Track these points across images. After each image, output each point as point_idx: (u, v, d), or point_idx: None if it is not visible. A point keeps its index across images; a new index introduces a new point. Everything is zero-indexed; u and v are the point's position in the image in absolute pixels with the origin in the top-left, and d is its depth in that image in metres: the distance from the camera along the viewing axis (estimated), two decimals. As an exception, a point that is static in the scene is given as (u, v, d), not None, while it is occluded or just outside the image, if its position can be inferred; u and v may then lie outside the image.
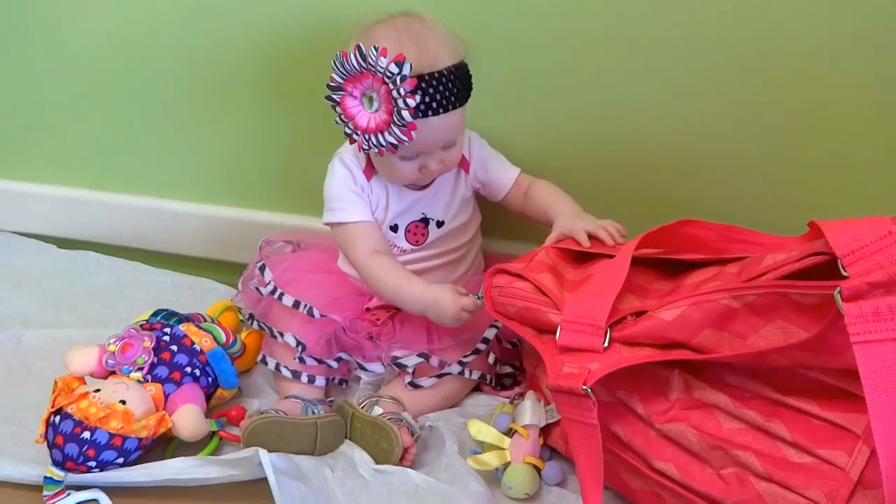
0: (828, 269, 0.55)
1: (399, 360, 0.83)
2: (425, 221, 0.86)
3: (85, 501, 0.74)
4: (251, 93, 1.01)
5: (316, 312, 0.84)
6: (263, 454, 0.71)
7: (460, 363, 0.82)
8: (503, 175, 0.89)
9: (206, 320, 0.90)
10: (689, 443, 0.62)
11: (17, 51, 1.10)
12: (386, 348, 0.84)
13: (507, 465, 0.73)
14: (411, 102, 0.72)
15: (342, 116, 0.76)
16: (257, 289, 0.89)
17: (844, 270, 0.53)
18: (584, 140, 0.92)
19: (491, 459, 0.73)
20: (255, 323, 0.89)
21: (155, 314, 0.89)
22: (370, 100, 0.74)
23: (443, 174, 0.84)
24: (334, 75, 0.74)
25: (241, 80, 1.01)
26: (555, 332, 0.65)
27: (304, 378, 0.84)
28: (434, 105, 0.74)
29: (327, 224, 0.86)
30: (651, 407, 0.64)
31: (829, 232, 0.55)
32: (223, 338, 0.87)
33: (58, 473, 0.73)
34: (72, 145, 1.14)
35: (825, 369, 0.57)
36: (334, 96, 0.75)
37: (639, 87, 0.87)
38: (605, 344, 0.63)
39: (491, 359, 0.84)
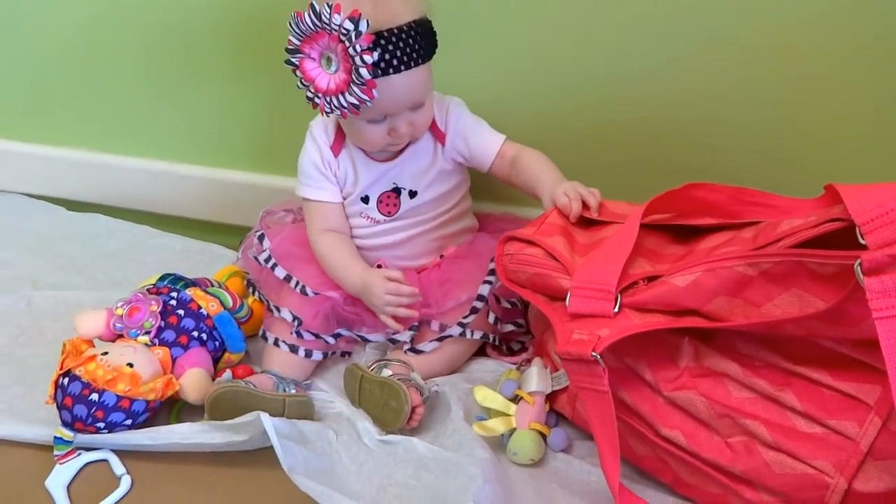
0: (846, 235, 0.53)
1: (393, 336, 0.82)
2: (397, 191, 0.84)
3: (94, 461, 0.73)
4: (258, 54, 0.99)
5: (309, 291, 0.82)
6: (266, 418, 0.70)
7: (460, 324, 0.80)
8: (484, 145, 0.84)
9: (213, 285, 0.88)
10: (698, 410, 0.60)
11: (24, 11, 1.07)
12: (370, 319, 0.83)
13: (512, 431, 0.71)
14: (368, 59, 0.68)
15: (302, 80, 0.72)
16: (255, 258, 0.87)
17: (863, 238, 0.50)
18: (587, 109, 0.89)
19: (496, 426, 0.71)
20: (256, 293, 0.88)
21: (162, 278, 0.88)
22: (328, 60, 0.71)
23: (414, 138, 0.81)
24: (291, 37, 0.71)
25: (248, 40, 0.98)
26: (565, 299, 0.63)
27: (301, 352, 0.82)
28: (395, 62, 0.71)
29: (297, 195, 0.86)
30: (659, 374, 0.62)
31: (847, 197, 0.53)
32: (230, 302, 0.85)
33: (67, 434, 0.73)
34: (80, 107, 1.13)
35: (839, 339, 0.55)
36: (293, 59, 0.72)
37: (643, 56, 0.84)
38: (616, 310, 0.61)
39: (491, 318, 0.82)
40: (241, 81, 1.02)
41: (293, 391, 0.78)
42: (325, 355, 0.84)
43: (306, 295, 0.82)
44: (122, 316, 0.79)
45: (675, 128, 0.87)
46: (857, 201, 0.52)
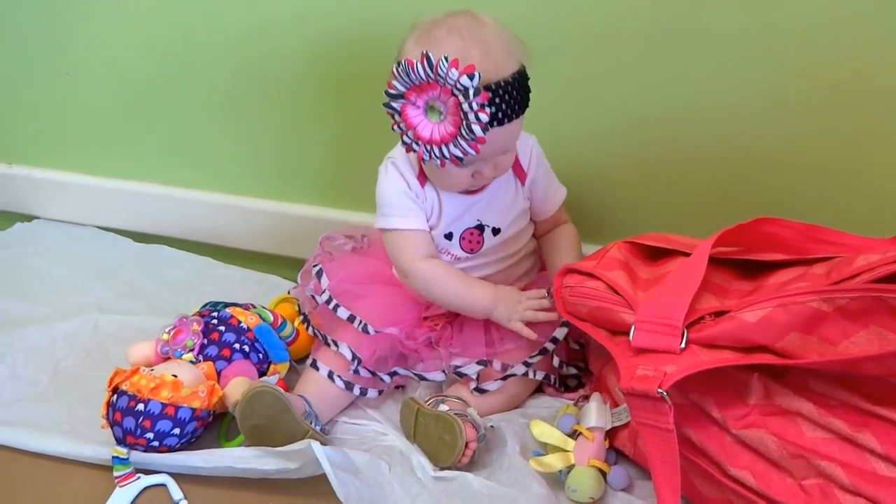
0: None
1: (459, 370, 0.79)
2: (480, 228, 0.81)
3: (153, 486, 0.73)
4: (324, 89, 1.00)
5: (371, 329, 0.80)
6: (317, 447, 0.68)
7: (525, 364, 0.78)
8: (551, 198, 0.84)
9: (255, 307, 0.89)
10: (769, 450, 0.57)
11: (98, 49, 1.11)
12: (445, 356, 0.80)
13: (570, 467, 0.69)
14: (483, 117, 0.66)
15: (402, 125, 0.69)
16: (312, 296, 0.85)
17: (948, 273, 0.48)
18: (656, 143, 0.88)
19: (554, 461, 0.69)
20: (310, 328, 0.86)
21: (204, 305, 0.89)
22: (434, 110, 0.68)
23: (496, 178, 0.79)
24: (396, 83, 0.68)
25: (315, 75, 0.99)
26: (628, 333, 0.61)
27: (357, 390, 0.80)
28: (500, 116, 0.68)
29: (380, 229, 0.81)
30: (728, 411, 0.59)
31: (930, 231, 0.50)
32: (270, 318, 0.86)
33: (121, 451, 0.73)
34: (149, 141, 1.15)
35: (921, 378, 0.52)
36: (394, 104, 0.69)
37: (717, 92, 0.83)
38: (683, 345, 0.58)
39: (556, 361, 0.80)
40: (305, 116, 1.03)
41: (318, 428, 0.75)
42: (379, 393, 0.82)
43: (367, 332, 0.80)
44: (167, 340, 0.81)
45: (740, 167, 0.85)
46: (941, 236, 0.50)
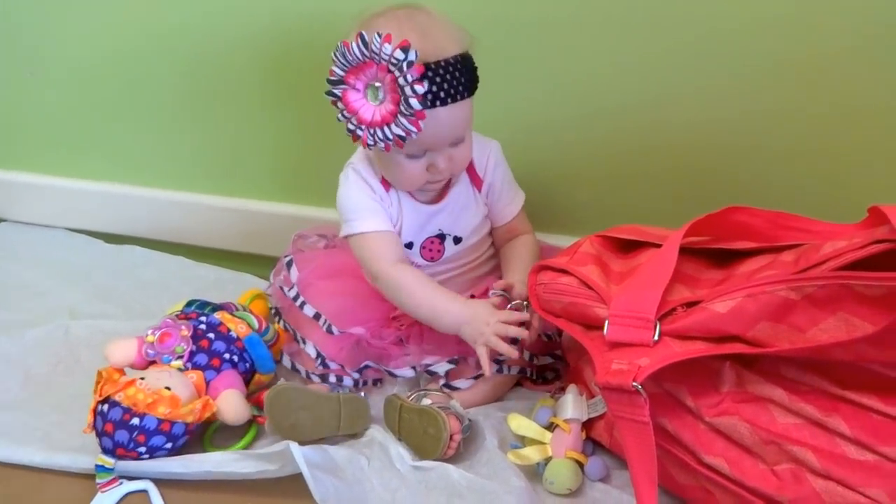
0: (893, 257, 0.50)
1: (430, 368, 0.79)
2: (441, 237, 0.80)
3: (135, 492, 0.71)
4: (288, 86, 0.98)
5: (335, 329, 0.79)
6: (295, 448, 0.67)
7: (497, 361, 0.78)
8: (504, 208, 0.83)
9: (238, 309, 0.87)
10: (742, 437, 0.57)
11: (58, 48, 1.08)
12: (416, 353, 0.80)
13: (548, 459, 0.68)
14: (419, 89, 0.65)
15: (344, 112, 0.69)
16: (281, 288, 0.85)
17: (914, 259, 0.48)
18: (621, 134, 0.87)
19: (532, 454, 0.69)
20: (282, 321, 0.86)
21: (189, 304, 0.87)
22: (374, 91, 0.68)
23: (453, 175, 0.78)
24: (335, 68, 0.68)
25: (278, 72, 0.98)
26: (602, 328, 0.61)
27: (333, 378, 0.81)
28: (442, 94, 0.68)
29: (345, 237, 0.79)
30: (701, 400, 0.59)
31: (894, 217, 0.50)
32: (256, 325, 0.84)
33: (108, 461, 0.71)
34: (116, 142, 1.13)
35: (888, 363, 0.52)
36: (335, 91, 0.69)
37: (683, 80, 0.82)
38: (656, 338, 0.58)
39: (526, 355, 0.79)
40: (270, 113, 1.02)
41: (347, 392, 0.77)
42: (356, 384, 0.82)
43: (331, 332, 0.79)
44: (153, 342, 0.78)
45: (709, 154, 0.85)
46: (905, 222, 0.50)
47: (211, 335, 0.80)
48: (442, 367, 0.78)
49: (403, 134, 0.68)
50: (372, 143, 0.69)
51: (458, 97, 0.70)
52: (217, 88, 1.03)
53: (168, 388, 0.73)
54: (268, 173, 1.07)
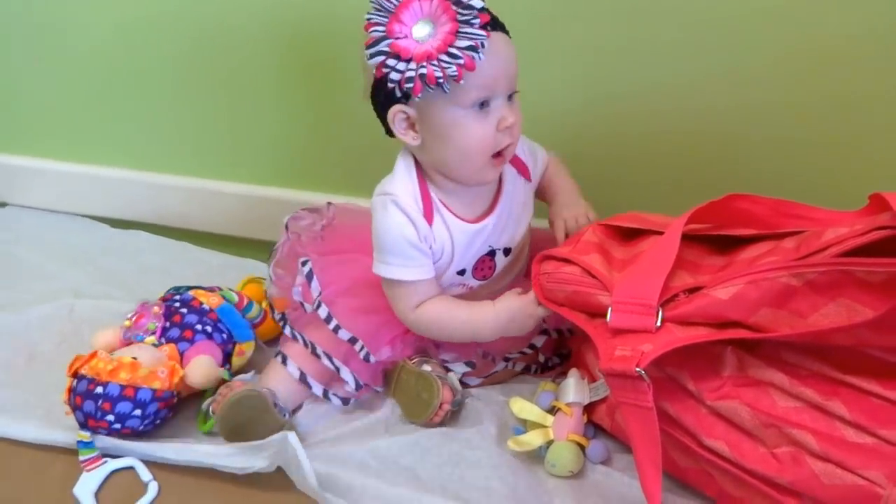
0: (894, 243, 0.51)
1: (447, 364, 0.78)
2: (492, 254, 0.76)
3: (121, 469, 0.72)
4: (293, 71, 0.98)
5: (372, 358, 0.75)
6: (293, 437, 0.67)
7: (506, 359, 0.78)
8: (541, 160, 0.80)
9: (221, 289, 0.87)
10: (742, 420, 0.58)
11: (66, 34, 1.08)
12: (433, 346, 0.79)
13: (550, 443, 0.69)
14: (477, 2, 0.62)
15: (397, 66, 0.62)
16: (302, 304, 0.78)
17: (916, 245, 0.49)
18: (618, 122, 0.87)
19: (533, 438, 0.69)
20: (297, 335, 0.78)
21: (168, 290, 0.89)
22: (423, 27, 0.63)
23: (513, 149, 0.71)
24: (374, 28, 0.63)
25: (283, 57, 0.98)
26: (605, 315, 0.61)
27: (337, 401, 0.77)
28: (491, 22, 0.64)
29: (378, 275, 0.74)
30: (702, 384, 0.60)
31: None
32: (235, 299, 0.85)
33: (85, 435, 0.72)
34: (122, 127, 1.13)
35: (888, 347, 0.53)
36: (382, 48, 0.62)
37: (688, 68, 0.82)
38: (658, 324, 0.58)
39: (541, 358, 0.80)
40: (275, 97, 1.02)
41: (287, 419, 0.74)
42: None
43: (368, 361, 0.76)
44: (129, 326, 0.80)
45: (707, 142, 0.85)
46: (906, 208, 0.50)
47: (183, 310, 0.82)
48: (459, 368, 0.78)
49: (473, 44, 0.62)
50: (440, 75, 0.62)
51: (499, 28, 0.67)
52: (221, 72, 1.03)
53: (134, 358, 0.75)
54: (272, 158, 1.07)
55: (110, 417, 0.72)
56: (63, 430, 0.75)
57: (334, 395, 0.77)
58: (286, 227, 0.86)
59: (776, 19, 0.78)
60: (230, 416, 0.71)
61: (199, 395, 0.79)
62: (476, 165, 0.70)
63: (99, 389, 0.72)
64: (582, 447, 0.69)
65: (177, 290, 0.88)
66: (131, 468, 0.72)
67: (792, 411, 0.56)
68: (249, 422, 0.71)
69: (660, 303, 0.59)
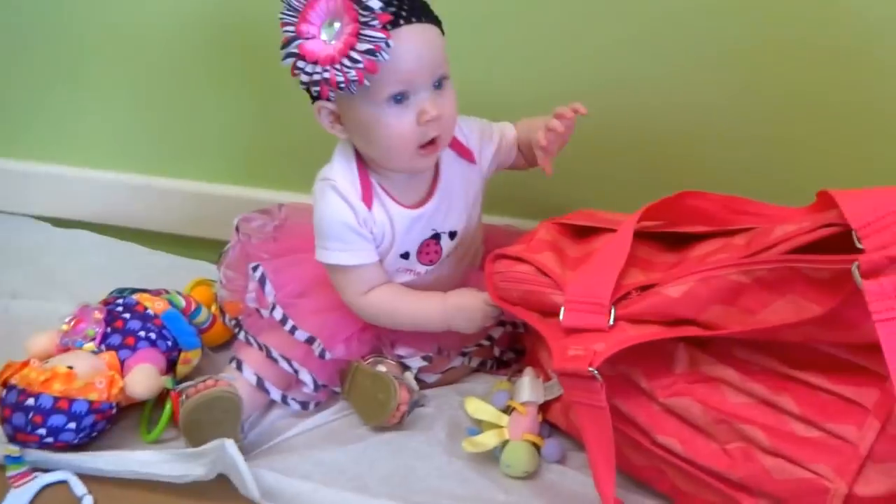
0: (840, 240, 0.51)
1: (403, 360, 0.77)
2: (437, 237, 0.75)
3: (53, 483, 0.69)
4: (240, 66, 0.96)
5: (327, 354, 0.74)
6: (230, 445, 0.64)
7: (462, 353, 0.77)
8: (505, 135, 0.77)
9: (168, 293, 0.85)
10: (694, 417, 0.58)
11: (9, 29, 1.04)
12: (388, 344, 0.78)
13: (505, 443, 0.68)
14: (375, 3, 0.61)
15: (306, 68, 0.62)
16: (258, 310, 0.76)
17: (860, 243, 0.49)
18: (579, 120, 0.87)
19: (488, 440, 0.68)
20: (252, 340, 0.76)
21: (111, 293, 0.86)
22: (331, 27, 0.62)
23: (443, 141, 0.70)
24: (286, 28, 0.63)
25: (229, 52, 0.96)
26: (559, 314, 0.61)
27: (311, 407, 0.77)
28: (404, 13, 0.64)
29: (321, 262, 0.74)
30: (655, 381, 0.60)
31: (843, 202, 0.51)
32: (182, 304, 0.82)
33: (13, 449, 0.69)
34: (61, 122, 1.09)
35: (836, 343, 0.53)
36: (292, 50, 0.63)
37: (641, 65, 0.83)
38: (611, 322, 0.58)
39: (497, 351, 0.80)
40: (222, 92, 0.99)
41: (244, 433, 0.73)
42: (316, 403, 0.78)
43: (323, 358, 0.74)
44: (67, 331, 0.77)
45: (669, 138, 0.85)
46: (852, 206, 0.51)
47: (126, 315, 0.79)
48: (415, 363, 0.77)
49: (372, 47, 0.61)
50: (341, 79, 0.62)
51: (423, 18, 0.66)
52: (166, 66, 1.00)
53: (70, 367, 0.71)
54: (221, 155, 1.04)
55: (42, 431, 0.68)
56: (-5, 443, 0.71)
57: (293, 399, 0.76)
58: (236, 229, 0.84)
59: (727, 16, 0.79)
60: (201, 408, 0.69)
61: (141, 403, 0.76)
62: (403, 158, 0.70)
63: (30, 401, 0.68)
64: (537, 447, 0.69)
65: (120, 293, 0.85)
66: (64, 482, 0.69)
67: (742, 407, 0.57)
68: (214, 424, 0.69)
69: (612, 301, 0.59)
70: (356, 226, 0.71)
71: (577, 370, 0.56)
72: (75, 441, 0.70)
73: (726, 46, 0.80)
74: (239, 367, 0.75)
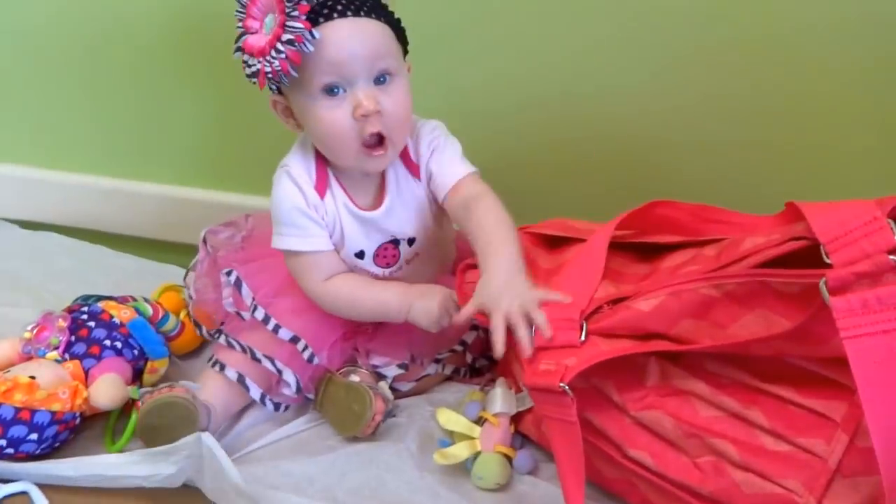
0: (809, 252, 0.51)
1: (379, 370, 0.76)
2: (395, 242, 0.74)
3: (14, 494, 0.67)
4: (207, 65, 0.94)
5: (316, 359, 0.74)
6: (207, 437, 0.63)
7: (436, 360, 0.77)
8: (445, 171, 0.71)
9: (135, 300, 0.83)
10: (666, 431, 0.57)
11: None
12: (363, 354, 0.77)
13: (477, 454, 0.68)
14: None
15: (248, 62, 0.64)
16: (238, 313, 0.75)
17: (828, 258, 0.48)
18: (554, 126, 0.87)
19: (460, 451, 0.67)
20: (234, 343, 0.75)
21: (75, 300, 0.84)
22: (268, 23, 0.64)
23: (390, 131, 0.67)
24: (238, 23, 0.65)
25: (198, 54, 0.94)
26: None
27: (270, 406, 0.75)
28: (339, 8, 0.64)
29: (276, 248, 0.73)
30: (627, 394, 0.59)
31: (810, 215, 0.51)
32: (149, 312, 0.81)
33: None
34: (26, 122, 1.07)
35: (806, 356, 0.53)
36: (239, 44, 0.65)
37: (615, 74, 0.82)
38: (582, 338, 0.57)
39: (469, 357, 0.79)
40: (188, 95, 0.98)
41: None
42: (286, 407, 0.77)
43: (311, 363, 0.74)
44: (29, 339, 0.75)
45: (644, 145, 0.85)
46: (820, 220, 0.50)
47: (91, 323, 0.77)
48: (391, 371, 0.76)
49: (293, 38, 0.62)
50: (269, 70, 0.63)
51: (361, 12, 0.65)
52: (131, 65, 0.98)
53: (32, 377, 0.70)
54: (189, 157, 1.02)
55: (2, 442, 0.67)
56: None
57: (269, 399, 0.75)
58: (204, 242, 0.83)
59: (701, 20, 0.78)
60: (153, 413, 0.69)
61: (106, 412, 0.75)
62: (347, 154, 0.69)
63: None
64: (509, 458, 0.68)
65: (85, 300, 0.83)
66: (24, 493, 0.67)
67: (713, 420, 0.56)
68: (169, 429, 0.68)
69: (584, 316, 0.59)
70: (306, 209, 0.71)
71: (548, 385, 0.55)
72: (37, 451, 0.69)
73: (702, 50, 0.79)
74: (222, 369, 0.74)
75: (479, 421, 0.70)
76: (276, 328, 0.73)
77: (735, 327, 0.53)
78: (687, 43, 0.79)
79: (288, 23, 0.63)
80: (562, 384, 0.55)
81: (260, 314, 0.74)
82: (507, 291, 0.60)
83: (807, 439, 0.53)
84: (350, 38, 0.65)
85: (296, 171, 0.71)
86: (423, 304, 0.70)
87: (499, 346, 0.59)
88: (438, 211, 0.75)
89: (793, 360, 0.54)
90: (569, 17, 0.81)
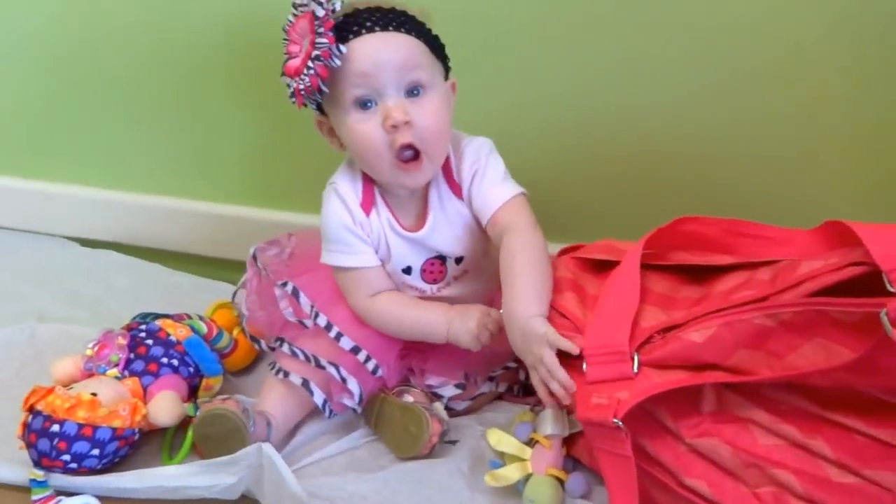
0: (868, 278, 0.49)
1: (435, 390, 0.76)
2: (442, 258, 0.75)
3: None
4: (256, 92, 0.96)
5: (380, 371, 0.74)
6: (268, 448, 0.65)
7: (490, 378, 0.77)
8: (484, 200, 0.71)
9: (191, 318, 0.85)
10: (723, 459, 0.56)
11: (34, 52, 1.05)
12: (418, 374, 0.77)
13: (528, 476, 0.67)
14: (336, 4, 0.65)
15: (289, 84, 0.68)
16: (301, 322, 0.76)
17: (891, 286, 0.46)
18: (594, 142, 0.86)
19: (511, 473, 0.67)
20: (297, 351, 0.75)
21: (134, 318, 0.86)
22: (304, 45, 0.67)
23: (423, 143, 0.67)
24: (284, 39, 0.68)
25: (249, 78, 0.96)
26: (579, 356, 0.59)
27: (328, 413, 0.76)
28: (368, 24, 0.66)
29: (324, 263, 0.75)
30: (681, 420, 0.58)
31: (868, 240, 0.49)
32: (204, 330, 0.83)
33: (38, 473, 0.70)
34: (89, 144, 1.10)
35: (871, 385, 0.52)
36: (283, 69, 0.68)
37: (644, 91, 0.81)
38: (635, 370, 0.56)
39: (521, 375, 0.78)
40: (238, 117, 1.00)
41: None
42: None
43: (375, 374, 0.74)
44: (91, 356, 0.77)
45: (678, 162, 0.84)
46: (880, 245, 0.48)
47: (149, 341, 0.80)
48: (448, 391, 0.76)
49: (320, 53, 0.64)
50: (303, 88, 0.66)
51: (390, 27, 0.66)
52: (185, 88, 1.00)
53: (94, 394, 0.72)
54: (245, 177, 1.04)
55: (66, 457, 0.69)
56: (16, 465, 0.72)
57: (329, 408, 0.75)
58: (254, 259, 0.84)
59: (751, 34, 0.77)
60: (204, 424, 0.71)
61: (163, 429, 0.76)
62: (382, 168, 0.70)
63: (55, 428, 0.69)
64: (561, 481, 0.67)
65: (143, 318, 0.86)
66: (87, 506, 0.69)
67: (773, 449, 0.55)
68: (220, 440, 0.70)
69: (635, 347, 0.57)
70: (352, 227, 0.72)
71: (601, 420, 0.55)
72: (98, 466, 0.71)
73: (747, 65, 0.78)
74: (286, 375, 0.75)
75: (531, 442, 0.69)
76: (339, 336, 0.74)
77: (793, 357, 0.52)
78: (735, 57, 0.78)
79: (317, 40, 0.65)
80: (615, 420, 0.54)
81: (322, 321, 0.74)
82: (524, 347, 0.65)
83: (874, 471, 0.51)
84: (378, 49, 0.66)
85: (343, 189, 0.73)
86: (461, 322, 0.71)
87: (545, 399, 0.65)
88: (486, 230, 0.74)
89: (858, 387, 0.53)
90: (599, 37, 0.81)
